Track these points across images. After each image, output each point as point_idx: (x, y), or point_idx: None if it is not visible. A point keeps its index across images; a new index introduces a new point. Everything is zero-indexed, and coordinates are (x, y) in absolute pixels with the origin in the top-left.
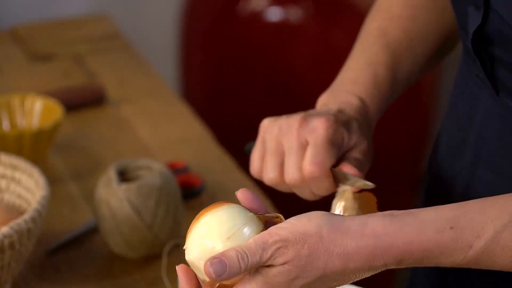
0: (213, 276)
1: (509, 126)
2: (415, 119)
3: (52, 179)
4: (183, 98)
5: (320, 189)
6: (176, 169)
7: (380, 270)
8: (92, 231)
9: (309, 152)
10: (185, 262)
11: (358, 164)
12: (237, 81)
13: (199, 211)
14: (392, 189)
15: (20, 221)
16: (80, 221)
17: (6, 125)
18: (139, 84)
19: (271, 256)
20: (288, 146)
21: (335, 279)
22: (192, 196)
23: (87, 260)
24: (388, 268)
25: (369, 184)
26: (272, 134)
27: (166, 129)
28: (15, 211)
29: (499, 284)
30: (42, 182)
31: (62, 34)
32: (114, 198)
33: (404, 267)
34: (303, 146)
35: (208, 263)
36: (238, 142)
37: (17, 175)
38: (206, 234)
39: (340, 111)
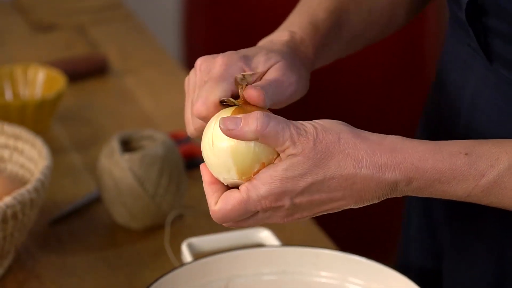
0: (224, 130)
1: (502, 95)
2: (418, 93)
3: (55, 150)
4: (186, 68)
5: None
6: (179, 139)
7: (388, 192)
8: (95, 202)
9: (198, 92)
10: (186, 232)
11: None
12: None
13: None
14: None
15: (23, 191)
16: (83, 191)
17: (9, 95)
18: (142, 54)
19: (289, 138)
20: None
21: (342, 186)
22: (195, 166)
23: (90, 231)
24: (397, 189)
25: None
26: (189, 83)
27: (169, 100)
28: (18, 181)
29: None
30: (45, 152)
31: (64, 4)
32: (117, 168)
33: (411, 193)
34: (201, 86)
35: (221, 119)
36: None
37: (20, 145)
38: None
39: (254, 48)
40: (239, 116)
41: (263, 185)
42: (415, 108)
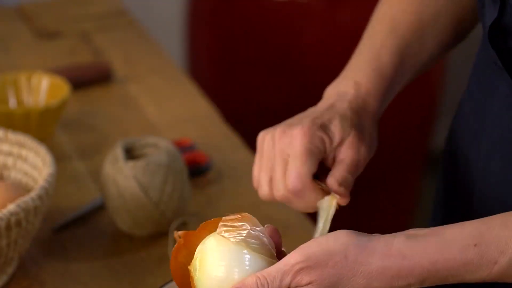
0: None
1: None
2: (423, 97)
3: (59, 157)
4: (189, 76)
5: (308, 201)
6: (183, 147)
7: None
8: (99, 209)
9: (288, 167)
10: None
11: (345, 169)
12: (244, 59)
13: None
14: (400, 167)
15: (26, 198)
16: (86, 199)
17: (13, 103)
18: (146, 61)
19: (294, 278)
20: (273, 163)
21: None
22: (199, 173)
23: (94, 238)
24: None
25: (339, 201)
26: (263, 148)
27: (172, 107)
28: (21, 188)
29: None
30: (49, 159)
31: (68, 11)
32: (121, 175)
33: (427, 286)
34: (285, 161)
35: None
36: (244, 120)
37: (24, 152)
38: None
39: (326, 109)
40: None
41: None
42: (418, 113)
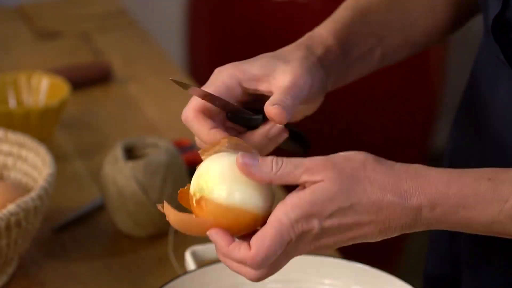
0: (241, 164)
1: None
2: (423, 97)
3: (59, 157)
4: (190, 75)
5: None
6: (183, 147)
7: (412, 219)
8: (99, 209)
9: None
10: (190, 240)
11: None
12: (243, 59)
13: None
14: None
15: (26, 198)
16: (86, 199)
17: (12, 103)
18: (146, 61)
19: (308, 171)
20: None
21: (369, 212)
22: None
23: (94, 238)
24: (422, 215)
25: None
26: None
27: (172, 107)
28: (21, 189)
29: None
30: (49, 159)
31: (68, 12)
32: (120, 175)
33: (435, 222)
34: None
35: (240, 154)
36: None
37: (24, 152)
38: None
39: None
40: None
41: (293, 208)
42: (418, 113)
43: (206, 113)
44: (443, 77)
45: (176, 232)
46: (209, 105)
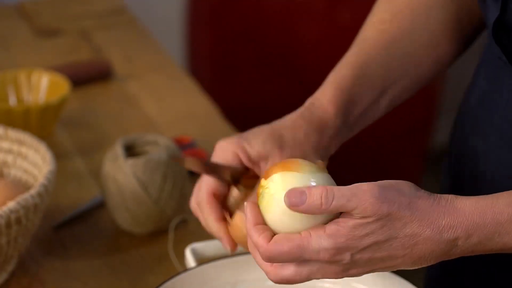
0: (289, 205)
1: None
2: (423, 97)
3: (59, 155)
4: (189, 74)
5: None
6: (183, 145)
7: (447, 249)
8: (99, 207)
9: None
10: (190, 237)
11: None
12: (243, 56)
13: None
14: (400, 167)
15: (26, 196)
16: (86, 196)
17: (12, 100)
18: (146, 59)
19: (358, 206)
20: None
21: (405, 246)
22: None
23: (94, 236)
24: (457, 246)
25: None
26: None
27: (172, 105)
28: (21, 186)
29: None
30: (49, 157)
31: (68, 9)
32: (120, 173)
33: (471, 250)
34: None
35: (287, 193)
36: (244, 118)
37: (24, 150)
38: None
39: (279, 121)
40: (304, 189)
41: (328, 237)
42: (418, 113)
43: (216, 195)
44: (443, 77)
45: (176, 229)
46: (218, 186)
